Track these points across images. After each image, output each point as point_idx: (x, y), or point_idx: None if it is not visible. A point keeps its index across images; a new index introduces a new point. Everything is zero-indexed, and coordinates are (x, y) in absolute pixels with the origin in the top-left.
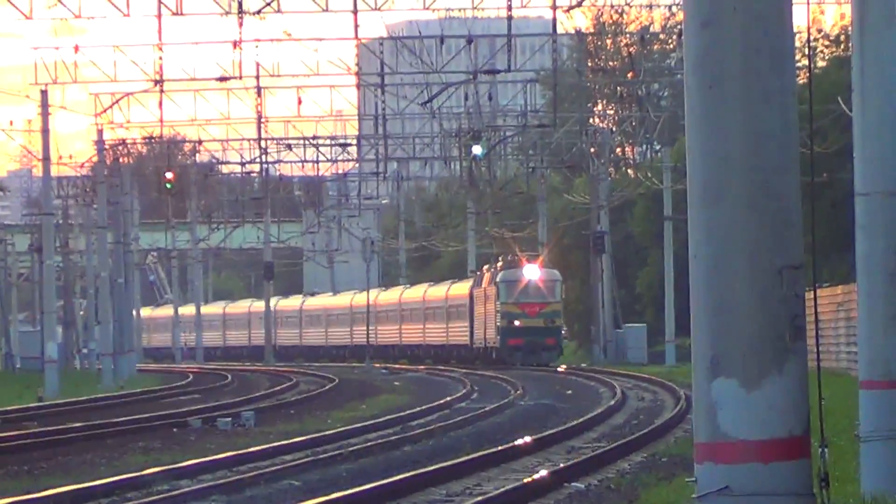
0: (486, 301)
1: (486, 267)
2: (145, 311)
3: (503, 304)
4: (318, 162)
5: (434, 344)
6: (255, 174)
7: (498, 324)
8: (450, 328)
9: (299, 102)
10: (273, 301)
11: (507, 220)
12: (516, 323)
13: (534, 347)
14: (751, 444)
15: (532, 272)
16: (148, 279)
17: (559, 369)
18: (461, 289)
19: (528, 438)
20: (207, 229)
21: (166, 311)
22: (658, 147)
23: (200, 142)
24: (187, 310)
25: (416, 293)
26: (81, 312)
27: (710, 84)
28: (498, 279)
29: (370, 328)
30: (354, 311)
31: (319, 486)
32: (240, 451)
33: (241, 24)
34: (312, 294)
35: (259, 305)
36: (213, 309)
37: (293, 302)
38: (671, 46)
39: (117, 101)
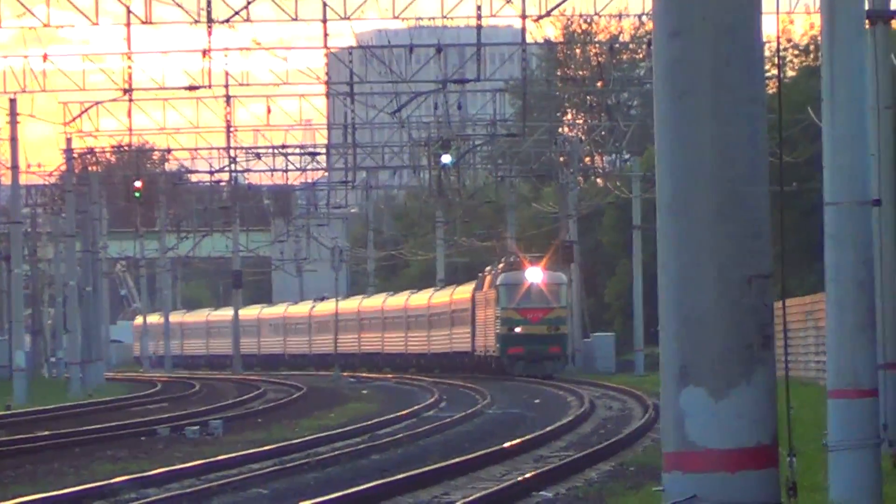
0: (486, 306)
1: (488, 269)
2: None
3: (503, 309)
4: (286, 171)
5: (438, 352)
6: (223, 183)
7: (497, 331)
8: (453, 335)
9: (268, 111)
10: (281, 307)
11: (476, 229)
12: (517, 330)
13: (536, 356)
14: (719, 453)
15: (535, 275)
16: (117, 288)
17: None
18: (465, 292)
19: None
20: (176, 238)
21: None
22: (627, 156)
23: (169, 150)
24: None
25: (421, 299)
26: (50, 321)
27: (680, 94)
28: (498, 282)
29: (382, 335)
30: (362, 318)
31: (287, 495)
32: (207, 460)
33: (210, 33)
34: (322, 299)
35: (269, 312)
36: (196, 318)
37: (302, 309)
38: (641, 56)
39: (86, 110)
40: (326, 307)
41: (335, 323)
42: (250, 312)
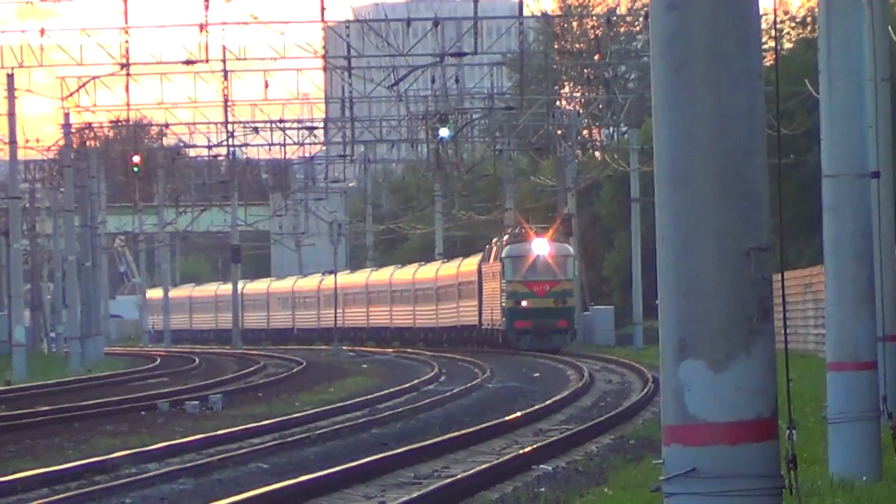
0: (492, 278)
1: (494, 240)
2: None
3: (509, 282)
4: (284, 145)
5: (447, 326)
6: (221, 157)
7: (503, 304)
8: (460, 308)
9: (266, 86)
10: (290, 281)
11: (475, 202)
12: (523, 303)
13: (543, 331)
14: (718, 427)
15: (541, 246)
16: (116, 263)
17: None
18: (472, 265)
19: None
20: (175, 213)
21: (187, 291)
22: (625, 129)
23: (167, 125)
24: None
25: (428, 271)
26: (49, 296)
27: (677, 67)
28: (503, 254)
29: (390, 309)
30: (370, 291)
31: (287, 469)
32: (208, 435)
33: (207, 7)
34: (331, 272)
35: (278, 286)
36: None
37: (311, 282)
38: (638, 29)
39: (84, 85)
40: (344, 279)
41: (340, 296)
42: (259, 286)
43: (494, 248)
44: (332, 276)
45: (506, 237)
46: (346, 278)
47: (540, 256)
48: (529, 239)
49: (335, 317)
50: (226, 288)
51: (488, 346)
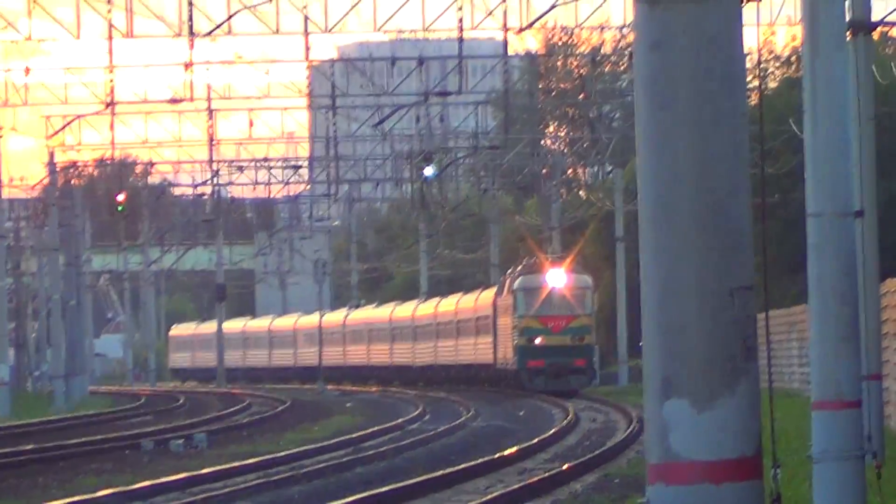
0: (506, 313)
1: (509, 271)
2: (173, 331)
3: (521, 317)
4: (269, 184)
5: (465, 363)
6: (206, 196)
7: (515, 341)
8: (477, 344)
9: (251, 124)
10: (314, 317)
11: (459, 241)
12: (537, 340)
13: (559, 371)
14: (702, 465)
15: (557, 278)
16: (101, 302)
17: None
18: (488, 298)
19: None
20: (159, 251)
21: (191, 328)
22: (610, 168)
23: (152, 164)
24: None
25: (449, 304)
26: (33, 334)
27: (661, 106)
28: (515, 286)
29: (413, 345)
30: (393, 327)
31: None
32: (192, 473)
33: (192, 47)
34: (357, 306)
35: (306, 322)
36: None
37: (337, 316)
38: (622, 68)
39: (69, 124)
40: (360, 315)
41: (365, 334)
42: (286, 322)
43: (508, 280)
44: (359, 309)
45: (519, 267)
46: (374, 313)
47: (555, 289)
48: (544, 269)
49: (319, 354)
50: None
51: (504, 387)
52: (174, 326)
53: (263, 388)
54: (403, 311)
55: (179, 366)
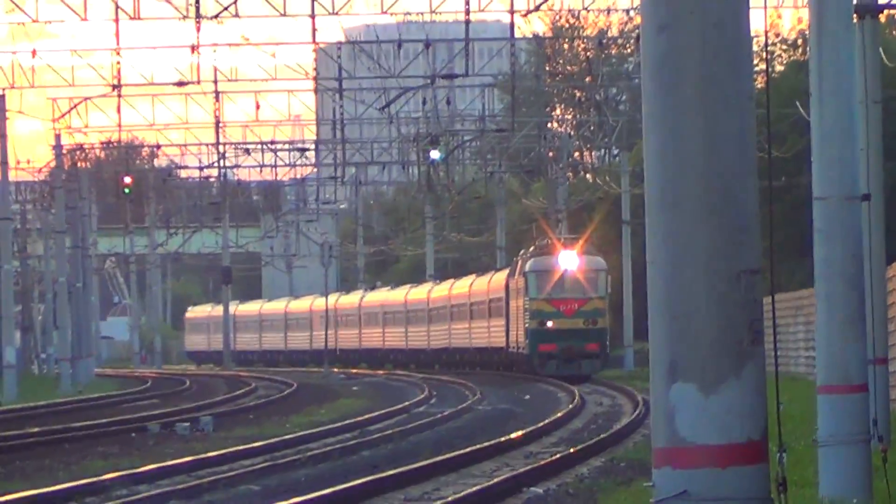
0: (517, 296)
1: (521, 252)
2: (189, 313)
3: (532, 300)
4: (276, 166)
5: (478, 346)
6: (213, 179)
7: (526, 325)
8: (490, 327)
9: (257, 107)
10: (332, 298)
11: (466, 224)
12: (549, 324)
13: (571, 355)
14: (708, 449)
15: (569, 260)
16: (107, 284)
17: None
18: (501, 279)
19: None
20: (166, 234)
21: (206, 311)
22: (616, 151)
23: (159, 146)
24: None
25: (462, 286)
26: (40, 317)
27: (668, 89)
28: (526, 269)
29: (427, 328)
30: (409, 310)
31: (278, 491)
32: (198, 456)
33: (198, 29)
34: (372, 288)
35: (322, 304)
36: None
37: (353, 298)
38: (629, 51)
39: (75, 106)
40: (376, 297)
41: (381, 316)
42: (302, 305)
43: (519, 262)
44: (374, 291)
45: (531, 248)
46: (388, 295)
47: (568, 271)
48: (556, 251)
49: (325, 338)
50: (268, 307)
51: (515, 371)
52: (190, 309)
53: (271, 372)
54: (418, 293)
55: (195, 348)
